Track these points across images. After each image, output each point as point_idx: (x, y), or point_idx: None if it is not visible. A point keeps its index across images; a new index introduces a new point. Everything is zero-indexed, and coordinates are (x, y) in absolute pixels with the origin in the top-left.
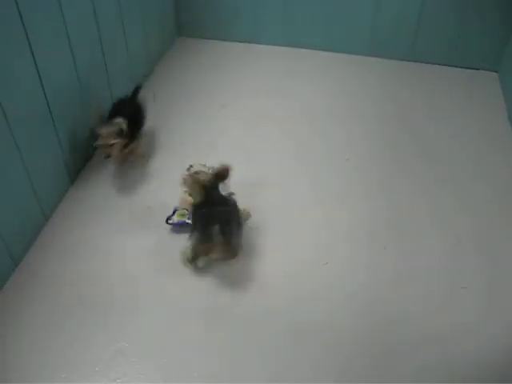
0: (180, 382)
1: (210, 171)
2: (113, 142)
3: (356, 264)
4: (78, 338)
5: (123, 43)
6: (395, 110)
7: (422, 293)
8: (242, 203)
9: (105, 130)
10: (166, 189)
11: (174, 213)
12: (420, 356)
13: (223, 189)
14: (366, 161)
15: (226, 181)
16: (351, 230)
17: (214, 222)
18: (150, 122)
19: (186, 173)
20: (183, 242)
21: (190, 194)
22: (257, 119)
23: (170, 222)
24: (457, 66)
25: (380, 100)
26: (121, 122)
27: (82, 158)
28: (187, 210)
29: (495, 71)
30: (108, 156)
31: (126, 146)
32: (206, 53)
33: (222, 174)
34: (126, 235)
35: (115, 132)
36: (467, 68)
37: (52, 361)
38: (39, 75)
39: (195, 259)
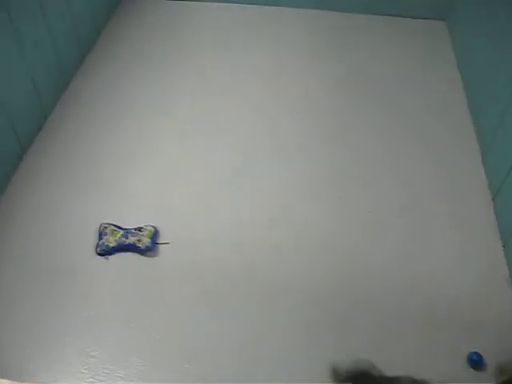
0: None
1: None
2: None
3: (319, 217)
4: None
5: (66, 6)
6: (347, 62)
7: (385, 242)
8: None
9: None
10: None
11: (101, 236)
12: (387, 306)
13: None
14: (323, 113)
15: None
16: (312, 182)
17: None
18: (95, 86)
19: None
20: None
21: None
22: (211, 78)
23: (100, 251)
24: (406, 17)
25: (331, 53)
26: None
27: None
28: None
29: (443, 20)
30: None
31: None
32: (154, 12)
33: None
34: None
35: None
36: (416, 18)
37: (19, 332)
38: None
39: None
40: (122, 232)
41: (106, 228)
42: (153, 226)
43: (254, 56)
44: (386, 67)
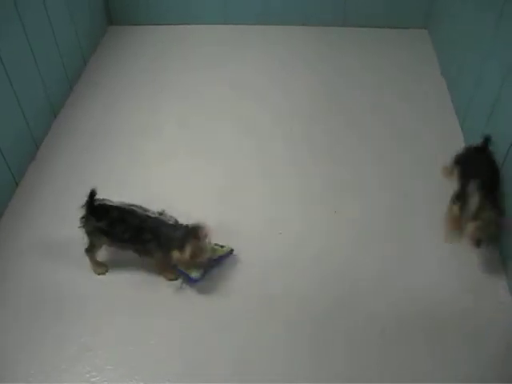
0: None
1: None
2: None
3: (313, 228)
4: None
5: (52, 38)
6: (336, 74)
7: (381, 249)
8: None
9: None
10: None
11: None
12: (391, 313)
13: None
14: (313, 126)
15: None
16: (302, 196)
17: None
18: (94, 114)
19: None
20: None
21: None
22: (199, 99)
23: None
24: (387, 27)
25: (320, 67)
26: None
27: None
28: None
29: (424, 28)
30: None
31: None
32: (139, 39)
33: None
34: None
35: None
36: (397, 28)
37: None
38: None
39: None
40: None
41: None
42: None
43: (245, 73)
44: (373, 78)
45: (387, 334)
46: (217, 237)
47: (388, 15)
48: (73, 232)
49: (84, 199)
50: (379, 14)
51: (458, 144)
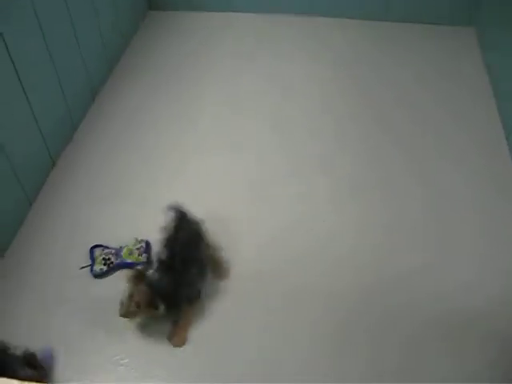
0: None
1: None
2: None
3: (342, 227)
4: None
5: (95, 20)
6: (373, 70)
7: (411, 248)
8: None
9: None
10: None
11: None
12: (416, 313)
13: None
14: (344, 123)
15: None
16: (334, 193)
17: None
18: (132, 99)
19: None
20: None
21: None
22: (235, 89)
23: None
24: (432, 23)
25: (356, 61)
26: None
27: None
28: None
29: (471, 26)
30: None
31: None
32: (180, 25)
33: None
34: None
35: None
36: (443, 24)
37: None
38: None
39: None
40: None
41: None
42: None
43: (279, 65)
44: (414, 75)
45: (412, 335)
46: (245, 231)
47: (431, 10)
48: (104, 210)
49: None
50: (422, 8)
51: (500, 150)
